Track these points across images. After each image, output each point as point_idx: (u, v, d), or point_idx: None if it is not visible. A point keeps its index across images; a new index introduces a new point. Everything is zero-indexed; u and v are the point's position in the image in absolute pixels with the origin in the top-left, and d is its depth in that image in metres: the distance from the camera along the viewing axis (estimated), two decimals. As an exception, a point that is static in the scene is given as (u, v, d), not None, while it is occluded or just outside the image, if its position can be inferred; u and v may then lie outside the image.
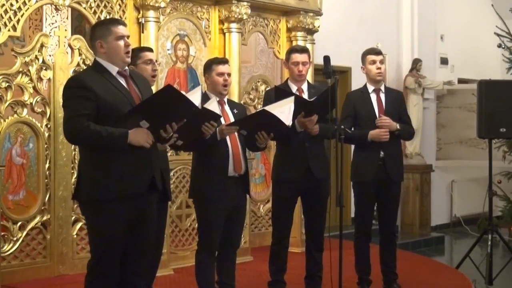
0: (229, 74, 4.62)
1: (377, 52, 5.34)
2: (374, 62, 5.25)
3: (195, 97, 3.73)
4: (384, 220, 5.40)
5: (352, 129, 5.28)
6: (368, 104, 5.26)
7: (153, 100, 3.54)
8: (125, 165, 3.52)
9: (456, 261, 7.28)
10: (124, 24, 3.74)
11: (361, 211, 5.34)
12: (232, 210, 4.55)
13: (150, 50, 4.59)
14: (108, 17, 5.67)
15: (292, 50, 5.13)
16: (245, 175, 4.62)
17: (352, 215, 8.72)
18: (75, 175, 5.57)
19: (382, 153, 5.18)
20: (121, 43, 3.61)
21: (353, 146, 5.50)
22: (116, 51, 3.60)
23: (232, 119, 4.58)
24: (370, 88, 5.31)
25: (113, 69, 3.62)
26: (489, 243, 6.47)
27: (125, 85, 3.63)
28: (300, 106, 4.63)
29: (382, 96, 5.30)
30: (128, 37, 3.68)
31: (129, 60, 3.68)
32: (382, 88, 5.34)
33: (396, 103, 5.35)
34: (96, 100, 3.49)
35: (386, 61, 5.40)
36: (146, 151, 3.55)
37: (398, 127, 5.20)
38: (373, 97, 5.28)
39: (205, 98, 4.31)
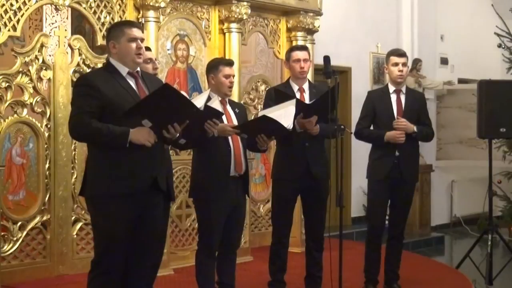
0: (233, 76, 4.66)
1: (400, 54, 5.33)
2: (396, 64, 5.25)
3: (201, 100, 3.76)
4: (394, 220, 5.40)
5: (371, 127, 5.32)
6: (387, 104, 5.27)
7: (150, 99, 3.54)
8: (126, 164, 3.55)
9: (456, 261, 7.27)
10: (139, 27, 3.77)
11: (374, 209, 5.34)
12: (232, 210, 4.55)
13: (149, 49, 4.60)
14: (108, 17, 5.68)
15: (293, 49, 5.17)
16: (245, 174, 4.63)
17: (352, 215, 8.79)
18: (75, 175, 5.59)
19: (397, 152, 5.18)
20: (133, 45, 3.64)
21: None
22: (127, 52, 3.64)
23: (234, 118, 4.60)
24: (391, 88, 5.32)
25: (124, 70, 3.66)
26: (489, 243, 6.46)
27: (134, 86, 3.67)
28: (299, 107, 4.64)
29: (402, 97, 5.30)
30: (142, 40, 3.70)
31: (140, 61, 3.71)
32: (403, 89, 5.34)
33: (416, 105, 5.34)
34: (101, 99, 3.53)
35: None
36: (148, 150, 3.56)
37: (415, 129, 5.21)
38: (393, 97, 5.29)
39: (207, 98, 4.32)
